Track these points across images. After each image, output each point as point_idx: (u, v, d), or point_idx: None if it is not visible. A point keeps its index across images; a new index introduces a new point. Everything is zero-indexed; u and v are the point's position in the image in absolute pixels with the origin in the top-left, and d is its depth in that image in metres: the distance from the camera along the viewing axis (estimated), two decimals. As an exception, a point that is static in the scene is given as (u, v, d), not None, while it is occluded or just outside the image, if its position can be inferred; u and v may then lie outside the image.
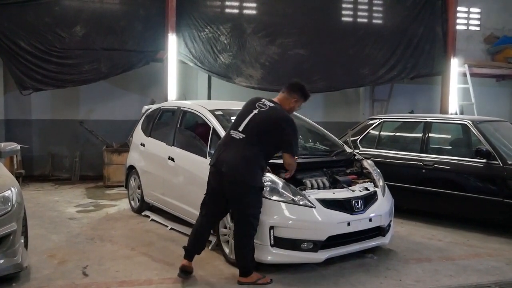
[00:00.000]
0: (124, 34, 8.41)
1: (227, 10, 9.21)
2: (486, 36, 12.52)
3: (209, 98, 9.60)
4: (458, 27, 10.76)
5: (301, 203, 4.20)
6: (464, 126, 6.10)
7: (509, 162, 5.50)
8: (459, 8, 10.92)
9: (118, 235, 5.42)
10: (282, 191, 4.23)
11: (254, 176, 3.87)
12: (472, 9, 12.49)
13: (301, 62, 9.22)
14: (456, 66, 10.01)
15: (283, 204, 4.16)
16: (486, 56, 12.41)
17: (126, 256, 4.69)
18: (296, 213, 4.17)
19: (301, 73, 9.24)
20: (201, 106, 5.40)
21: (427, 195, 6.03)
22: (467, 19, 12.50)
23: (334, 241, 4.28)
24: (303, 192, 4.34)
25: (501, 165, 5.49)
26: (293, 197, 4.21)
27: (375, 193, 4.70)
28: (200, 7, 8.87)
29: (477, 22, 12.63)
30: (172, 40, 8.41)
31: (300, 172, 4.58)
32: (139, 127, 6.65)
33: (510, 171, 5.42)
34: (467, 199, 5.70)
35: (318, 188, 4.50)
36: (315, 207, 4.22)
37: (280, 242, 4.09)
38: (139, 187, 6.27)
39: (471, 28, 12.52)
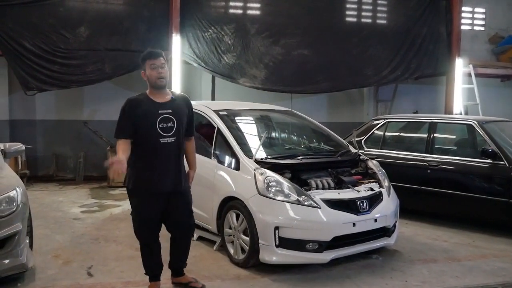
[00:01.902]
0: (128, 34, 8.41)
1: (231, 11, 9.21)
2: (491, 36, 12.47)
3: (213, 98, 9.60)
4: (462, 27, 10.73)
5: (306, 203, 4.19)
6: (470, 126, 6.08)
7: (515, 163, 5.46)
8: (463, 8, 10.88)
9: (123, 236, 5.42)
10: (287, 191, 4.21)
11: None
12: (476, 9, 12.45)
13: (305, 62, 9.21)
14: (460, 66, 9.98)
15: (288, 205, 4.15)
16: (491, 56, 12.36)
17: (130, 256, 4.69)
18: (301, 214, 4.15)
19: (305, 74, 9.25)
20: (206, 106, 5.39)
21: (432, 195, 6.01)
22: (471, 19, 12.46)
23: (340, 241, 4.26)
24: (308, 192, 4.32)
25: (507, 165, 5.46)
26: (298, 198, 4.20)
27: (380, 193, 4.68)
28: (204, 8, 8.87)
29: (482, 22, 12.58)
30: (176, 41, 8.41)
31: (305, 173, 4.58)
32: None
33: (516, 172, 5.39)
34: (472, 199, 5.67)
35: (323, 188, 4.48)
36: (320, 208, 4.20)
37: (285, 243, 4.08)
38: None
39: (475, 28, 12.47)
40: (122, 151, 3.35)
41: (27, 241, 4.00)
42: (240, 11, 9.25)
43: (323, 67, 9.34)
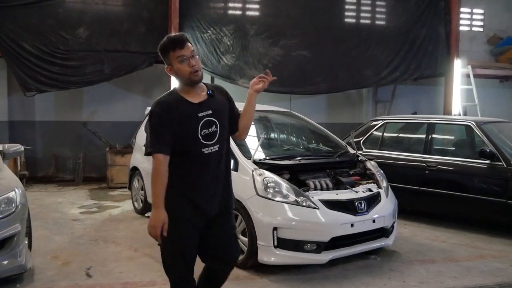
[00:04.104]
0: (127, 35, 8.44)
1: (230, 12, 9.23)
2: (489, 37, 12.49)
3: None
4: (461, 28, 10.76)
5: (304, 204, 4.20)
6: (468, 127, 6.09)
7: (513, 163, 5.48)
8: (462, 9, 10.91)
9: (122, 237, 5.44)
10: (286, 192, 4.22)
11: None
12: (475, 10, 12.47)
13: (304, 63, 9.23)
14: (459, 67, 9.99)
15: (286, 205, 4.16)
16: (489, 57, 12.37)
17: (129, 257, 4.70)
18: (299, 214, 4.16)
19: (304, 75, 9.27)
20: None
21: (431, 196, 6.01)
22: (470, 20, 12.48)
23: (338, 242, 4.27)
24: (306, 193, 4.33)
25: (505, 166, 5.47)
26: (297, 198, 4.21)
27: (378, 194, 4.69)
28: (203, 9, 8.89)
29: (481, 23, 12.60)
30: (175, 42, 8.41)
31: (303, 173, 4.59)
32: (142, 128, 6.66)
33: (514, 173, 5.40)
34: (470, 200, 5.67)
35: (321, 189, 4.49)
36: (318, 208, 4.21)
37: (284, 243, 4.09)
38: (143, 189, 6.28)
39: (474, 29, 12.49)
40: (162, 184, 2.55)
41: (26, 242, 4.01)
42: (239, 12, 9.27)
43: (322, 68, 9.36)
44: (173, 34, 2.75)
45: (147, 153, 2.62)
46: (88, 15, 8.31)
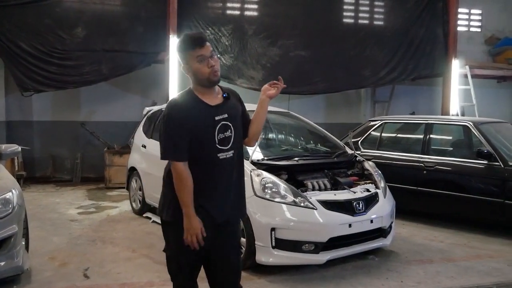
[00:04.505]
0: (125, 35, 8.42)
1: (228, 12, 9.22)
2: (487, 38, 12.51)
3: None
4: (459, 28, 10.76)
5: (302, 204, 4.20)
6: (465, 128, 6.10)
7: (510, 164, 5.49)
8: (460, 10, 10.91)
9: (120, 237, 5.43)
10: (284, 192, 4.23)
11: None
12: (473, 11, 12.48)
13: (302, 63, 9.22)
14: (457, 68, 10.00)
15: (284, 206, 4.16)
16: (487, 58, 12.39)
17: (127, 258, 4.69)
18: (297, 215, 4.16)
19: (302, 75, 9.27)
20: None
21: (429, 196, 6.03)
22: (468, 20, 12.49)
23: (336, 242, 4.27)
24: (304, 193, 4.34)
25: (502, 166, 5.49)
26: (295, 199, 4.21)
27: (376, 194, 4.70)
28: (201, 9, 8.88)
29: (478, 24, 12.61)
30: (173, 42, 8.42)
31: (301, 174, 4.59)
32: (140, 128, 6.65)
33: (511, 173, 5.41)
34: (468, 200, 5.69)
35: (319, 189, 4.50)
36: (316, 209, 4.22)
37: (282, 244, 4.09)
38: (140, 189, 6.27)
39: (472, 29, 12.51)
40: (189, 192, 2.44)
41: (23, 243, 4.00)
42: (237, 12, 9.27)
43: (321, 68, 9.36)
44: (191, 32, 2.66)
45: (164, 158, 2.50)
46: (85, 15, 8.28)
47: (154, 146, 6.01)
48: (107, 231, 5.68)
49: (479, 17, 12.59)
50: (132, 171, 6.54)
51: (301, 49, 9.28)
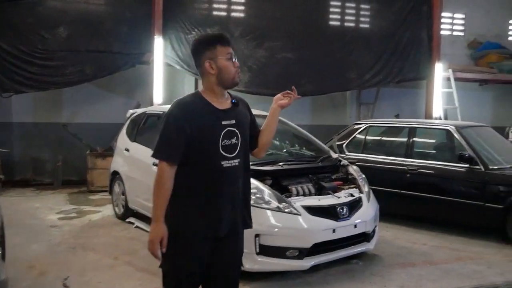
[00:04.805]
0: (109, 36, 8.31)
1: (215, 13, 9.20)
2: (469, 41, 12.67)
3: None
4: (442, 32, 10.89)
5: (286, 210, 4.20)
6: (448, 132, 6.17)
7: (491, 167, 5.58)
8: (444, 14, 11.04)
9: (101, 243, 5.32)
10: (268, 198, 4.22)
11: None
12: (456, 15, 12.63)
13: (288, 65, 9.23)
14: (440, 71, 10.11)
15: (268, 212, 4.15)
16: (469, 61, 12.54)
17: (109, 265, 4.60)
18: (281, 221, 4.16)
19: (289, 77, 9.26)
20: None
21: (412, 199, 6.08)
22: (451, 24, 12.65)
23: (320, 248, 4.28)
24: (289, 199, 4.33)
25: (483, 170, 5.57)
26: (279, 205, 4.21)
27: (360, 199, 4.72)
28: (187, 10, 8.83)
29: (461, 28, 12.77)
30: (159, 43, 8.36)
31: (286, 179, 4.59)
32: (123, 131, 6.58)
33: (492, 176, 5.51)
34: (450, 203, 5.76)
35: (304, 194, 4.51)
36: (300, 215, 4.22)
37: (266, 250, 4.08)
38: (124, 193, 6.19)
39: (455, 33, 12.66)
40: (164, 196, 2.32)
41: (0, 251, 3.88)
42: (224, 13, 9.24)
43: (307, 70, 9.37)
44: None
45: (155, 157, 2.38)
46: (68, 14, 8.15)
47: (137, 149, 5.95)
48: (89, 237, 5.56)
49: (462, 21, 12.74)
50: (115, 175, 6.46)
51: (288, 51, 9.28)
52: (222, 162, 2.39)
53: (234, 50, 2.48)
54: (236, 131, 2.45)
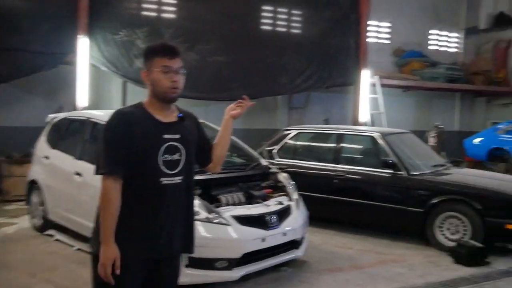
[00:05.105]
0: (28, 33, 7.75)
1: (144, 13, 8.94)
2: (394, 49, 13.33)
3: (124, 106, 9.20)
4: (369, 40, 11.35)
5: (215, 221, 4.13)
6: (373, 139, 6.38)
7: (413, 173, 5.84)
8: (371, 22, 11.53)
9: (17, 260, 4.91)
10: (197, 209, 4.09)
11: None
12: (382, 24, 13.23)
13: (220, 69, 9.18)
14: (367, 77, 10.52)
15: (197, 223, 4.02)
16: (394, 68, 13.20)
17: (24, 285, 4.26)
18: (211, 232, 4.08)
19: (220, 80, 9.22)
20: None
21: (340, 204, 6.23)
22: (378, 32, 13.22)
23: (250, 257, 4.25)
24: (218, 209, 4.27)
25: (406, 175, 5.82)
26: (208, 215, 4.13)
27: (289, 207, 4.74)
28: (115, 9, 8.50)
29: (387, 36, 13.41)
30: (83, 43, 7.96)
31: (215, 188, 4.52)
32: (43, 138, 6.17)
33: (414, 181, 5.77)
34: (375, 207, 5.96)
35: (234, 204, 4.46)
36: (230, 225, 4.17)
37: (195, 262, 3.96)
38: (43, 204, 5.80)
39: (381, 41, 13.26)
40: (112, 215, 2.18)
41: None
42: (154, 14, 9.01)
43: (239, 74, 9.37)
44: (167, 42, 2.45)
45: (98, 173, 2.21)
46: (-18, 9, 7.55)
47: (58, 157, 5.60)
48: (2, 253, 5.10)
49: (388, 30, 13.38)
50: (33, 184, 6.04)
51: (219, 55, 9.23)
52: (162, 179, 2.25)
53: (181, 63, 2.34)
54: (180, 146, 2.32)
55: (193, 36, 8.99)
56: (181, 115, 2.39)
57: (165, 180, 2.27)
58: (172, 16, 9.17)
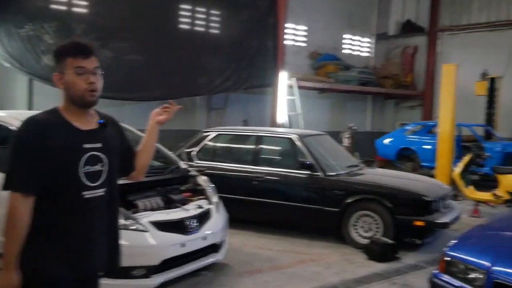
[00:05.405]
0: None
1: (53, 6, 8.43)
2: (310, 52, 13.77)
3: (30, 105, 8.56)
4: (287, 42, 11.62)
5: (132, 228, 3.97)
6: (291, 140, 6.51)
7: (329, 174, 6.05)
8: (288, 25, 11.81)
9: None
10: (112, 216, 3.93)
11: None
12: (299, 27, 13.60)
13: (136, 68, 8.90)
14: (285, 79, 10.77)
15: (113, 231, 3.86)
16: (310, 71, 13.63)
17: None
18: (127, 239, 3.83)
19: (137, 80, 8.94)
20: (16, 118, 4.68)
21: (259, 205, 6.28)
22: (295, 35, 13.57)
23: (169, 263, 4.14)
24: (135, 215, 4.11)
25: (322, 176, 6.01)
26: (125, 222, 3.94)
27: (209, 210, 4.70)
28: (21, 1, 7.89)
29: (304, 39, 13.80)
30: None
31: (132, 193, 4.34)
32: None
33: (330, 182, 5.97)
34: (294, 208, 6.08)
35: (152, 209, 4.32)
36: (148, 231, 4.03)
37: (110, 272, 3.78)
38: None
39: (298, 44, 13.62)
40: (18, 237, 1.96)
41: None
42: (64, 8, 8.53)
43: (156, 74, 9.16)
44: (80, 39, 2.16)
45: (4, 188, 1.97)
46: None
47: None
48: None
49: (304, 33, 13.78)
50: None
51: (136, 54, 8.96)
52: (83, 193, 2.06)
53: (97, 62, 2.13)
54: (102, 156, 2.12)
55: (108, 33, 8.63)
56: (102, 121, 2.18)
57: (87, 194, 2.08)
58: (84, 11, 8.73)
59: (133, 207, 4.24)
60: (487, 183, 8.41)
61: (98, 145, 2.12)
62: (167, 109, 2.41)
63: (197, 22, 10.14)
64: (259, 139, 6.68)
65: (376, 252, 5.33)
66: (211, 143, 6.96)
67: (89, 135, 2.11)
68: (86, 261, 2.12)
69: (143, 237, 4.00)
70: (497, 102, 11.90)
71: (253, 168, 6.41)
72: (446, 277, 3.21)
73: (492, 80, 11.86)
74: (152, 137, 2.42)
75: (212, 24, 10.38)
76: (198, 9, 10.10)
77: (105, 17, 8.74)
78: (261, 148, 6.67)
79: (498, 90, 11.86)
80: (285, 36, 11.26)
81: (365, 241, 5.61)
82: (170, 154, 5.48)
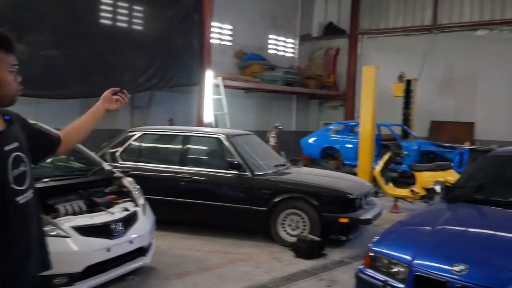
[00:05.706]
0: None
1: (-43, -6, 7.65)
2: (236, 52, 13.81)
3: None
4: (213, 41, 11.56)
5: (53, 233, 3.75)
6: (218, 140, 6.48)
7: (256, 173, 6.10)
8: (214, 24, 11.74)
9: None
10: (30, 222, 3.66)
11: None
12: (225, 26, 13.59)
13: (54, 64, 8.38)
14: (211, 78, 10.73)
15: (30, 238, 3.60)
16: (236, 70, 13.68)
17: None
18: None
19: (55, 77, 8.43)
20: None
21: (187, 206, 6.20)
22: (221, 34, 13.54)
23: (93, 270, 3.97)
24: (56, 220, 3.89)
25: (250, 176, 6.04)
26: (44, 228, 3.69)
27: (135, 213, 4.57)
28: None
29: (230, 38, 13.81)
30: None
31: (51, 197, 4.10)
32: None
33: (257, 181, 6.02)
34: (223, 208, 6.07)
35: (74, 213, 4.10)
36: (70, 237, 3.84)
37: (29, 282, 3.53)
38: None
39: (224, 43, 13.61)
40: None
41: None
42: (-31, -3, 7.77)
43: (76, 70, 8.70)
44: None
45: None
46: None
47: None
48: None
49: (230, 32, 13.79)
50: None
51: (53, 48, 8.43)
52: (17, 198, 1.85)
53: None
54: (22, 155, 1.92)
55: (22, 26, 8.01)
56: (8, 117, 1.95)
57: (21, 199, 1.88)
58: (-7, 1, 8.03)
59: (53, 212, 4.00)
60: (405, 180, 8.95)
61: (16, 144, 1.91)
62: (120, 99, 2.32)
63: (120, 17, 9.76)
64: (186, 139, 6.58)
65: (304, 249, 5.46)
66: (136, 143, 6.74)
67: (5, 136, 1.89)
68: (22, 273, 1.92)
69: (65, 243, 3.81)
70: (412, 103, 12.68)
71: (180, 169, 6.30)
72: (371, 272, 3.36)
73: (408, 82, 12.61)
74: (93, 120, 2.30)
75: (135, 21, 10.04)
76: (120, 4, 9.72)
77: (19, 9, 8.11)
78: (188, 148, 6.58)
79: (413, 91, 12.63)
80: (211, 35, 11.20)
81: (293, 239, 5.71)
82: (93, 154, 5.23)
